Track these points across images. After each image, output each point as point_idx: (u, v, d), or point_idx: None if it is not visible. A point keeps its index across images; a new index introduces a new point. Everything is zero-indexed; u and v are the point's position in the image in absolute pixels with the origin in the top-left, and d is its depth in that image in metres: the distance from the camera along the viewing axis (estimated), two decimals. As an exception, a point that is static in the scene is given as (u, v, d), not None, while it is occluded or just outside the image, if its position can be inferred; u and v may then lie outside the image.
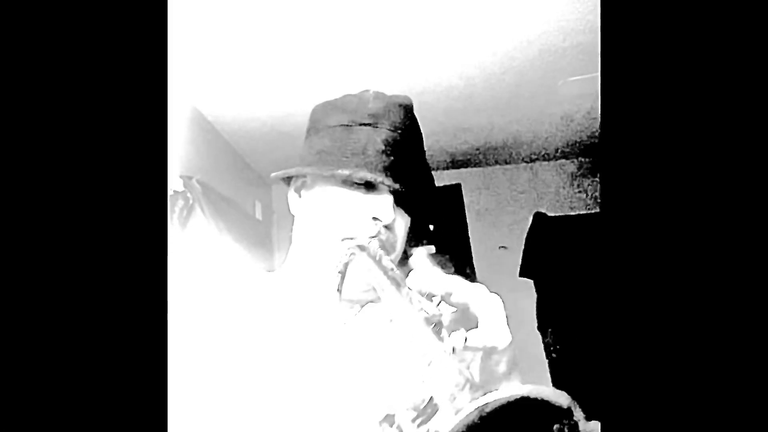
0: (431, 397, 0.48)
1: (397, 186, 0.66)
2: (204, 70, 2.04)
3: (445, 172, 3.34)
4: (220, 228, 2.06)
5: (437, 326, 0.47)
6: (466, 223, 3.29)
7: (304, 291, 0.71)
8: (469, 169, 3.37)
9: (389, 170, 0.67)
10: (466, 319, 0.54)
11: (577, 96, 2.40)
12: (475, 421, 0.33)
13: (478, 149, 3.11)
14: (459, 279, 0.53)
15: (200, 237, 1.97)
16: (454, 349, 0.46)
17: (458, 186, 3.34)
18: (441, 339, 0.46)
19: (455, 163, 3.30)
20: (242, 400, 0.60)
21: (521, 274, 3.07)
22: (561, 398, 0.35)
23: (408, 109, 0.74)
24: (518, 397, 0.33)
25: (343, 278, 0.64)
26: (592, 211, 3.15)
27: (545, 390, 0.34)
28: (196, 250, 1.93)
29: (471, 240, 3.26)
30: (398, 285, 0.54)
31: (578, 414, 0.35)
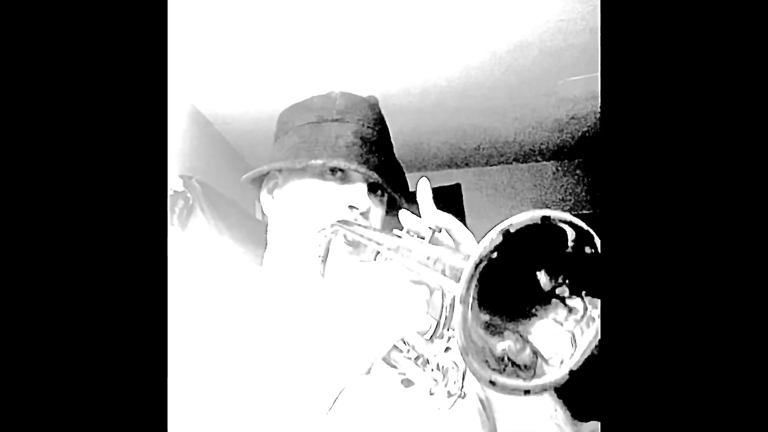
0: (436, 326, 0.48)
1: (370, 174, 0.66)
2: (204, 70, 2.04)
3: (445, 172, 3.33)
4: (220, 228, 2.06)
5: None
6: (466, 223, 3.28)
7: (286, 288, 0.70)
8: (469, 169, 3.37)
9: (362, 159, 0.67)
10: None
11: (577, 96, 2.40)
12: (500, 243, 0.33)
13: (478, 149, 3.10)
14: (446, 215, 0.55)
15: (200, 237, 1.97)
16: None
17: (458, 186, 3.34)
18: None
19: (455, 163, 3.29)
20: (239, 397, 0.60)
21: (521, 274, 3.07)
22: (581, 221, 0.34)
23: (374, 107, 0.74)
24: (539, 218, 0.33)
25: (324, 262, 0.64)
26: (591, 212, 3.15)
27: (566, 214, 0.34)
28: (196, 250, 1.93)
29: (471, 240, 3.25)
30: (391, 233, 0.55)
31: (597, 241, 0.35)
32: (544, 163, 3.38)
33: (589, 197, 3.26)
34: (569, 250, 0.36)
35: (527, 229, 0.33)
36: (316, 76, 2.08)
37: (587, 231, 0.35)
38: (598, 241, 0.36)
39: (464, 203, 3.33)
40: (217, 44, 1.88)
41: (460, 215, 3.29)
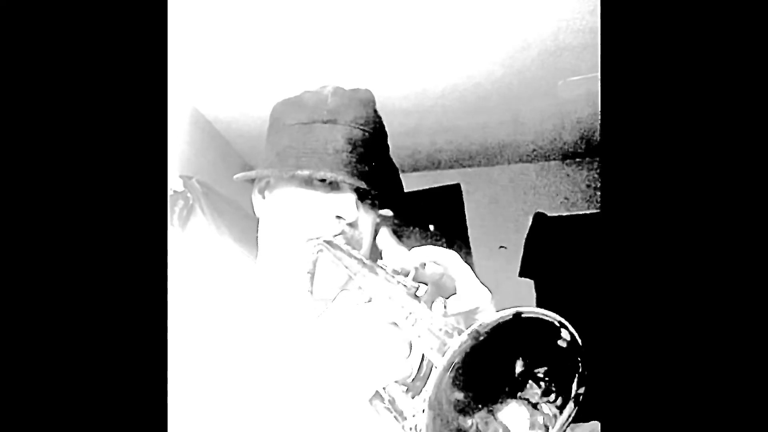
0: (418, 370, 0.48)
1: (359, 184, 0.64)
2: (204, 71, 2.04)
3: (445, 172, 3.33)
4: (220, 227, 2.06)
5: (416, 299, 0.48)
6: (466, 223, 3.29)
7: (276, 293, 0.70)
8: (469, 169, 3.37)
9: (351, 168, 0.65)
10: (442, 290, 0.54)
11: (577, 96, 2.40)
12: (471, 345, 0.33)
13: (478, 149, 3.10)
14: (425, 248, 0.53)
15: (200, 237, 1.97)
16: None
17: (458, 186, 3.34)
18: None
19: (455, 163, 3.30)
20: (239, 397, 0.60)
21: (521, 274, 3.07)
22: (552, 315, 0.34)
23: (369, 104, 0.71)
24: (510, 316, 0.33)
25: (312, 278, 0.63)
26: (592, 211, 3.15)
27: (536, 309, 0.33)
28: (196, 250, 1.93)
29: (471, 240, 3.26)
30: (371, 268, 0.54)
31: (571, 329, 0.35)
32: (544, 163, 3.38)
33: (589, 197, 3.27)
34: (547, 343, 0.36)
35: (508, 324, 0.33)
36: (316, 77, 2.08)
37: (560, 323, 0.34)
38: (569, 332, 0.35)
39: (464, 203, 3.33)
40: (218, 45, 1.88)
41: (460, 215, 3.30)
